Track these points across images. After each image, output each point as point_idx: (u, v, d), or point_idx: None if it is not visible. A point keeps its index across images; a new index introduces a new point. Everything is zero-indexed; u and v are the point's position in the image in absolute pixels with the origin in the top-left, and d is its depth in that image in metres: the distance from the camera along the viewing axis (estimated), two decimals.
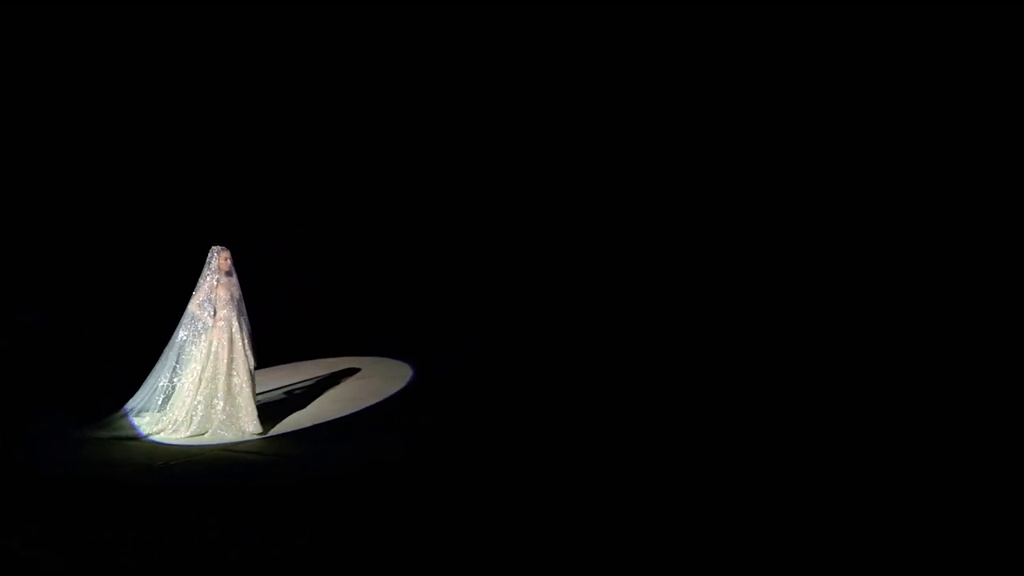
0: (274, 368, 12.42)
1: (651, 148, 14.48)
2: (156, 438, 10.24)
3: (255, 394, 10.50)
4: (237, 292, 10.61)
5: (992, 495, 8.37)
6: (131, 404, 10.63)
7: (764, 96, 13.79)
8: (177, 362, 10.52)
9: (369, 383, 12.24)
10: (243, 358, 10.43)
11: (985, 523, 7.81)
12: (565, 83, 14.46)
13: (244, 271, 10.73)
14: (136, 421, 10.46)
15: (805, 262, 13.69)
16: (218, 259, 10.56)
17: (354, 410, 11.18)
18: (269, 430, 10.46)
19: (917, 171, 13.13)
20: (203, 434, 10.28)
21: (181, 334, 10.52)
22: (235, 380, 10.39)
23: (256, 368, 10.55)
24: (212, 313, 10.45)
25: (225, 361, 10.40)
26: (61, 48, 14.14)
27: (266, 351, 11.07)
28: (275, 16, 14.23)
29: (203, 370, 10.40)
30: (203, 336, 10.44)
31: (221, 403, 10.34)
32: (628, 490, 8.55)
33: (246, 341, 10.49)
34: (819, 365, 12.14)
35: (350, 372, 12.61)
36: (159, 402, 10.52)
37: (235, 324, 10.46)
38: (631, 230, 14.60)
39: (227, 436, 10.27)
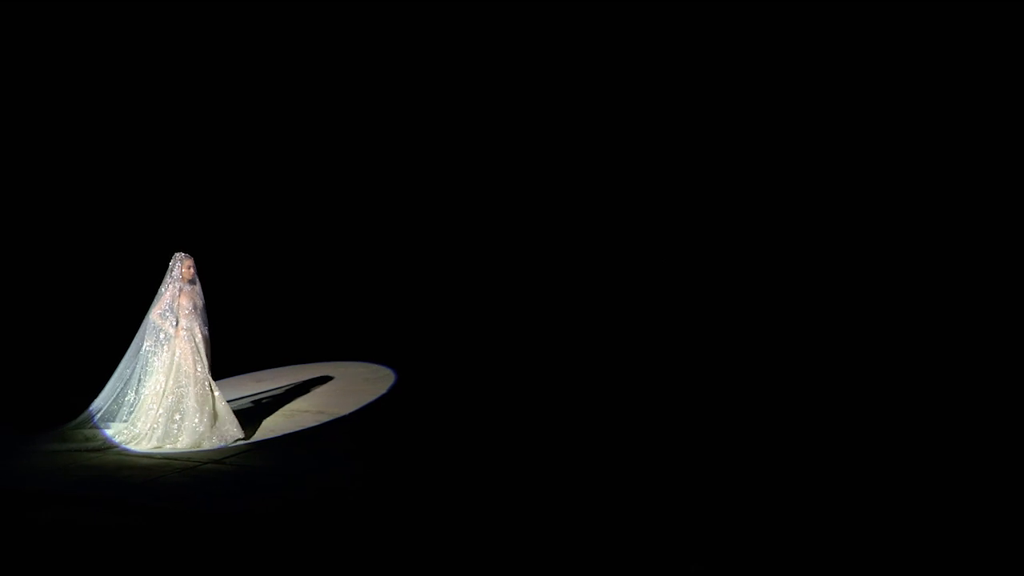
0: (250, 374, 12.20)
1: (626, 153, 14.29)
2: (126, 447, 9.92)
3: (224, 401, 10.16)
4: (200, 301, 10.36)
5: (992, 495, 8.21)
6: (95, 407, 10.26)
7: (746, 98, 13.58)
8: (142, 373, 10.23)
9: (347, 388, 12.05)
10: (206, 368, 10.07)
11: (985, 523, 7.63)
12: (547, 88, 14.26)
13: (219, 278, 10.44)
14: (90, 432, 10.12)
15: (794, 266, 13.51)
16: (181, 267, 10.30)
17: (330, 418, 10.88)
18: (250, 435, 10.16)
19: (917, 171, 12.94)
20: (161, 447, 9.96)
21: (144, 345, 10.26)
22: (202, 390, 10.02)
23: (214, 378, 10.21)
24: (174, 323, 10.11)
25: (190, 373, 10.03)
26: (42, 56, 13.90)
27: (240, 358, 10.76)
28: (255, 21, 13.99)
29: (166, 381, 10.13)
30: (165, 347, 10.16)
31: (181, 417, 9.98)
32: (611, 495, 8.36)
33: (207, 351, 10.15)
34: (810, 370, 12.04)
35: (326, 379, 12.40)
36: (124, 415, 10.28)
37: (198, 334, 10.14)
38: (612, 236, 14.40)
39: (209, 445, 9.90)
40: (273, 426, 10.53)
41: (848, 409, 10.59)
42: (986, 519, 7.65)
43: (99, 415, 10.26)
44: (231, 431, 10.05)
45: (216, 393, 10.10)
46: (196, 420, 10.00)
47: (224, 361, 10.68)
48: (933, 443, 9.45)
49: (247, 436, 10.13)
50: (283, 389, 11.88)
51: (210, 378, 10.11)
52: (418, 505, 8.18)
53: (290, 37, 14.19)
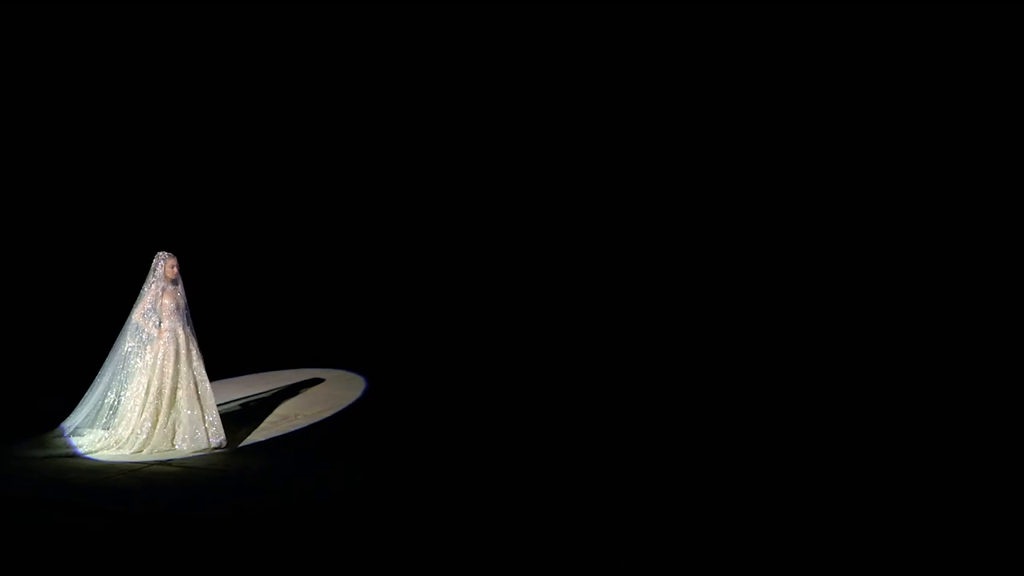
0: (231, 379, 12.07)
1: (594, 153, 14.35)
2: (100, 456, 9.67)
3: (214, 405, 10.01)
4: (183, 301, 10.16)
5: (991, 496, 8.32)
6: (70, 421, 10.09)
7: (741, 101, 13.69)
8: (122, 375, 9.99)
9: (318, 393, 11.97)
10: (190, 370, 9.96)
11: (984, 523, 7.72)
12: (512, 92, 14.28)
13: (199, 279, 10.32)
14: (75, 440, 9.89)
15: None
16: (164, 266, 10.10)
17: (308, 423, 10.82)
18: (223, 442, 10.02)
19: (915, 172, 13.13)
20: (142, 451, 9.73)
21: (126, 346, 10.01)
22: (181, 393, 9.91)
23: (209, 378, 10.07)
24: (157, 323, 9.97)
25: (171, 375, 9.91)
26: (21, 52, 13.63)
27: (223, 361, 10.65)
28: (240, 19, 13.85)
29: (149, 384, 9.89)
30: (148, 348, 9.95)
31: (167, 420, 9.83)
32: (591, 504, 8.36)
33: (194, 352, 10.03)
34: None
35: (296, 384, 12.27)
36: (104, 419, 9.98)
37: (181, 335, 10.00)
38: (579, 240, 14.46)
39: (183, 451, 9.75)
40: (246, 431, 10.38)
41: (828, 414, 10.71)
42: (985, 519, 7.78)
43: (79, 422, 9.99)
44: (206, 438, 9.92)
45: (197, 395, 9.94)
46: (166, 420, 9.84)
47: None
48: (930, 445, 9.57)
49: (222, 442, 10.02)
50: (254, 394, 11.71)
51: (195, 379, 9.93)
52: (397, 507, 8.18)
53: (276, 38, 14.09)
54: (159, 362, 9.90)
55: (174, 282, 10.11)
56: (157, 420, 9.83)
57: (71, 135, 14.10)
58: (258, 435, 10.34)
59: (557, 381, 12.35)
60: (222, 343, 11.05)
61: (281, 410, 11.25)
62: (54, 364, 12.09)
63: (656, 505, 8.17)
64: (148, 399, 9.84)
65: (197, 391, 9.93)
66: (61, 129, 14.09)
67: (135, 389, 9.89)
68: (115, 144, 14.17)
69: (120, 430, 9.85)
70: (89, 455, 9.64)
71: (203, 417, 9.90)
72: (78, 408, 10.10)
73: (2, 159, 13.99)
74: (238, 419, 10.80)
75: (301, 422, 10.82)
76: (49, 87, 13.92)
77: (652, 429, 10.40)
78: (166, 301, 10.04)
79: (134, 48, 13.87)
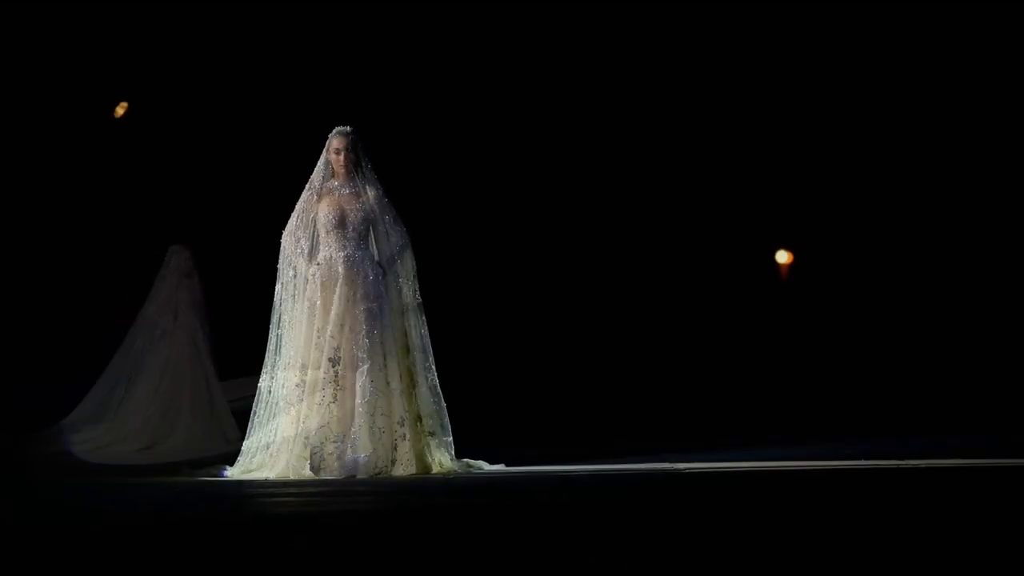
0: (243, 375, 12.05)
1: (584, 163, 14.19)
2: (107, 450, 9.60)
3: (225, 401, 9.93)
4: (199, 295, 10.09)
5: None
6: (74, 417, 9.99)
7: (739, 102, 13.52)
8: (134, 371, 9.91)
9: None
10: (205, 365, 9.90)
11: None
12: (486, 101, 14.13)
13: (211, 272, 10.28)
14: (79, 436, 9.80)
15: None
16: (178, 259, 10.06)
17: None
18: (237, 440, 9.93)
19: (913, 173, 12.97)
20: (151, 447, 9.65)
21: (138, 342, 9.93)
22: (194, 390, 9.84)
23: (220, 377, 9.98)
24: (172, 318, 9.92)
25: (188, 372, 9.84)
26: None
27: (238, 357, 10.61)
28: (246, 15, 13.80)
29: (162, 380, 9.83)
30: (163, 343, 9.88)
31: (176, 415, 9.76)
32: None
33: (207, 348, 9.96)
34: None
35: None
36: (112, 413, 9.87)
37: (198, 330, 9.93)
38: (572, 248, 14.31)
39: (191, 448, 9.67)
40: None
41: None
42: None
43: (84, 418, 9.88)
44: (229, 432, 9.85)
45: (215, 392, 9.88)
46: (191, 419, 9.79)
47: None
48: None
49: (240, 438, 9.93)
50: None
51: (210, 376, 9.89)
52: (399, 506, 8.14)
53: (282, 32, 14.01)
54: (174, 359, 9.85)
55: (188, 275, 10.05)
56: (167, 416, 9.77)
57: (78, 129, 14.07)
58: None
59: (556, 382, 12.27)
60: (238, 338, 11.02)
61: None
62: (62, 359, 12.07)
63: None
64: (160, 394, 9.77)
65: (209, 387, 9.86)
66: (68, 123, 14.06)
67: (146, 384, 9.80)
68: (127, 134, 14.13)
69: (129, 424, 9.76)
70: (96, 450, 9.58)
71: (215, 414, 9.85)
72: (83, 403, 10.00)
73: (8, 154, 13.97)
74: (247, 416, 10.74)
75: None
76: (53, 82, 13.88)
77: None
78: (182, 295, 9.99)
79: (139, 44, 13.81)
